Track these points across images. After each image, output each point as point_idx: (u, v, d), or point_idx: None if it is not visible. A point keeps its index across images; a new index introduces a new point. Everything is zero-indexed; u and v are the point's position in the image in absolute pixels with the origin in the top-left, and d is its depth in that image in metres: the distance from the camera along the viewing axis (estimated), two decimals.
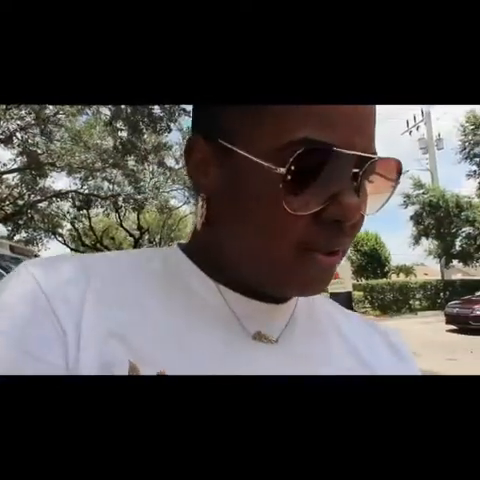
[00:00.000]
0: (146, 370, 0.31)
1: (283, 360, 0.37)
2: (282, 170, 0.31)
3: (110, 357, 0.32)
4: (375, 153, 0.35)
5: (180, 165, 12.27)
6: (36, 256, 2.19)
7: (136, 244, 14.34)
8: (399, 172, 0.37)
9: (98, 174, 11.65)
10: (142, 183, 11.89)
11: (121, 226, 14.12)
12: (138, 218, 13.99)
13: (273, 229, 0.33)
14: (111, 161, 10.55)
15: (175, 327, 0.35)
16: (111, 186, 12.27)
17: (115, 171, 11.52)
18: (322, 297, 0.46)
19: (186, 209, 15.60)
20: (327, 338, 0.42)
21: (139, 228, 14.21)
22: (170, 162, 12.29)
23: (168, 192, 13.21)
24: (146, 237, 15.07)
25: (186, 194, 13.35)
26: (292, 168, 0.31)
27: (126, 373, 0.31)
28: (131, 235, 14.48)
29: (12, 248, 1.90)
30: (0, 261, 1.79)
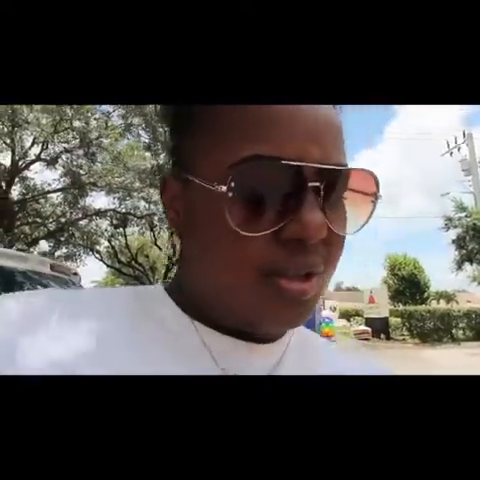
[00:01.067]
0: None
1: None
2: (223, 188, 0.29)
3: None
4: (341, 165, 0.32)
5: None
6: (75, 274, 2.29)
7: (169, 262, 14.64)
8: (377, 184, 0.33)
9: (135, 194, 12.12)
10: None
11: (155, 244, 14.51)
12: (171, 236, 14.34)
13: (230, 256, 0.31)
14: (148, 181, 10.98)
15: (138, 357, 0.33)
16: (147, 205, 12.72)
17: (152, 191, 11.96)
18: (315, 336, 0.43)
19: None
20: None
21: (173, 246, 14.54)
22: None
23: None
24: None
25: None
26: (232, 185, 0.29)
27: None
28: (165, 253, 14.82)
29: (52, 266, 1.95)
30: (41, 279, 1.86)
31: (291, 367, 0.36)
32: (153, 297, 0.37)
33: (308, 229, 0.29)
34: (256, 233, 0.30)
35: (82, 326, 0.33)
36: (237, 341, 0.35)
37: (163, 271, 15.11)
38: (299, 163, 0.29)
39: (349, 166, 0.33)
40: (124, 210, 12.78)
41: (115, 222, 13.31)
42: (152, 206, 12.61)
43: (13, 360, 0.30)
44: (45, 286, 1.86)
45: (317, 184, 0.30)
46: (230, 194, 0.29)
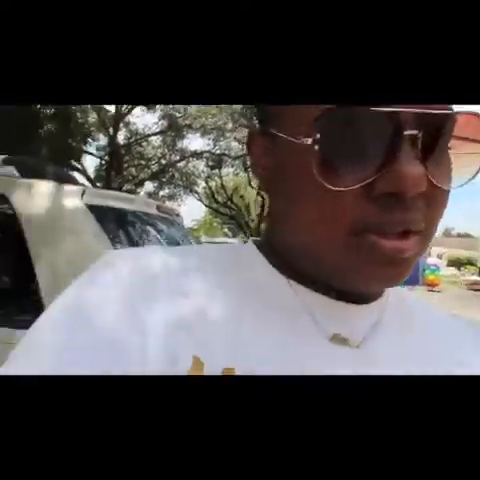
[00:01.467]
0: (211, 366, 0.30)
1: (365, 369, 0.32)
2: (309, 141, 0.28)
3: (176, 349, 0.30)
4: (444, 108, 0.29)
5: None
6: (178, 215, 2.39)
7: (263, 203, 14.82)
8: None
9: (229, 135, 12.20)
10: None
11: (250, 185, 14.70)
12: (258, 194, 14.32)
13: (320, 212, 0.29)
14: (240, 122, 10.91)
15: (244, 324, 0.33)
16: (240, 146, 12.75)
17: (244, 131, 11.90)
18: (413, 296, 0.41)
19: None
20: (417, 344, 0.36)
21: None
22: None
23: None
24: None
25: None
26: (318, 136, 0.28)
27: (188, 368, 0.30)
28: (258, 194, 14.98)
29: (158, 207, 2.02)
30: (149, 219, 1.92)
31: (390, 326, 0.36)
32: (248, 256, 0.37)
33: (404, 181, 0.27)
34: (345, 187, 0.28)
35: (196, 284, 0.34)
36: (337, 302, 0.34)
37: (258, 211, 15.39)
38: (392, 109, 0.27)
39: (454, 109, 0.30)
40: (218, 151, 13.02)
41: (211, 163, 13.69)
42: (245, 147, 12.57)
43: (138, 318, 0.31)
44: (153, 226, 1.94)
45: (415, 132, 0.27)
46: (316, 147, 0.28)
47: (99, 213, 1.61)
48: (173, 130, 11.78)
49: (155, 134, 12.52)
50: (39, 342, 0.31)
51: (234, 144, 12.75)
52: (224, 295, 0.34)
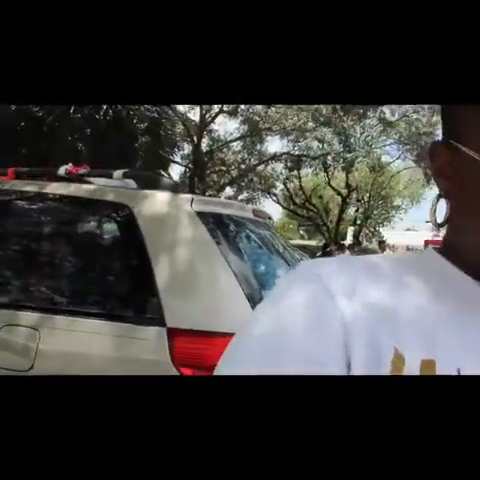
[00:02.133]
0: (411, 358, 0.32)
1: None
2: None
3: (379, 340, 0.33)
4: None
5: (396, 116, 11.45)
6: (270, 218, 2.43)
7: (343, 202, 14.42)
8: None
9: (309, 134, 12.08)
10: (352, 139, 11.70)
11: (329, 185, 14.40)
12: (347, 176, 13.93)
13: None
14: (322, 120, 10.75)
15: (442, 322, 0.35)
16: (320, 145, 12.56)
17: (325, 130, 11.68)
18: None
19: (399, 165, 14.57)
20: None
21: (347, 186, 14.17)
22: (388, 115, 11.61)
23: (381, 148, 12.58)
24: (354, 196, 14.92)
25: (400, 148, 12.42)
26: None
27: (391, 358, 0.32)
28: (339, 194, 14.61)
29: (254, 212, 2.09)
30: (246, 223, 1.97)
31: None
32: (433, 261, 0.39)
33: None
34: None
35: (389, 285, 0.36)
36: None
37: (337, 211, 15.01)
38: None
39: None
40: (298, 152, 12.96)
41: (289, 164, 13.68)
42: (325, 146, 12.41)
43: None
44: (251, 229, 2.00)
45: None
46: None
47: (205, 218, 1.72)
48: (253, 134, 12.01)
49: (236, 139, 12.88)
50: (246, 354, 0.34)
51: (314, 144, 12.60)
52: (419, 296, 0.36)
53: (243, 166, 13.39)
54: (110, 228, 1.79)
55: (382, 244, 9.01)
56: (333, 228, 14.42)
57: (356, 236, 14.28)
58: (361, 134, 11.96)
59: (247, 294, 1.52)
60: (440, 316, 0.35)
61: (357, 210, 15.59)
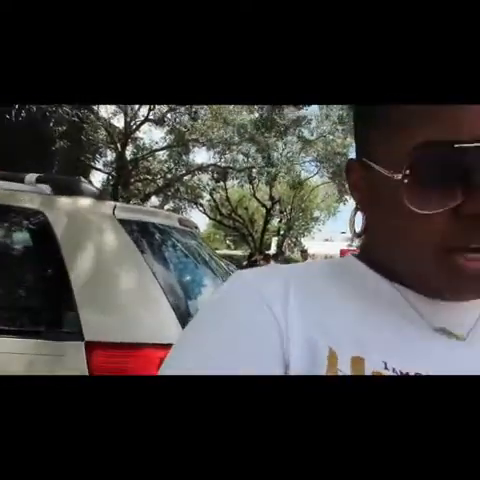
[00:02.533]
0: (343, 356, 0.34)
1: (472, 359, 0.36)
2: (399, 176, 0.33)
3: (314, 341, 0.35)
4: None
5: (315, 136, 12.20)
6: (196, 227, 2.41)
7: (268, 214, 14.90)
8: None
9: (235, 148, 12.35)
10: (275, 154, 12.21)
11: (254, 197, 14.80)
12: (270, 189, 14.45)
13: (411, 234, 0.34)
14: (247, 136, 11.07)
15: (367, 321, 0.37)
16: (246, 159, 12.89)
17: (250, 145, 12.04)
18: None
19: (317, 180, 15.49)
20: None
21: (271, 198, 14.69)
22: (306, 134, 12.33)
23: (300, 164, 13.28)
24: (277, 207, 15.51)
25: (318, 165, 13.26)
26: (407, 172, 0.32)
27: (326, 356, 0.34)
28: (263, 205, 15.08)
29: (180, 221, 2.06)
30: (171, 232, 1.92)
31: None
32: (353, 266, 0.42)
33: None
34: (433, 211, 0.32)
35: (318, 289, 0.39)
36: (439, 301, 0.37)
37: (262, 222, 15.46)
38: (473, 144, 0.30)
39: None
40: (224, 164, 13.17)
41: (216, 176, 13.83)
42: (250, 160, 12.77)
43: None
44: (176, 238, 1.95)
45: None
46: (405, 181, 0.32)
47: (129, 226, 1.67)
48: (179, 145, 11.95)
49: (162, 149, 12.70)
50: (188, 344, 0.36)
51: (239, 157, 12.91)
52: (344, 297, 0.39)
53: (169, 176, 13.23)
54: (22, 237, 1.65)
55: (304, 253, 9.44)
56: (258, 238, 14.82)
57: (280, 246, 14.82)
58: (282, 150, 12.54)
59: (173, 304, 1.49)
60: (363, 315, 0.38)
61: (280, 221, 16.23)
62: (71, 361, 1.35)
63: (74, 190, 1.73)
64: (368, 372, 0.34)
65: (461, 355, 0.36)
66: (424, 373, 0.34)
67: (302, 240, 17.50)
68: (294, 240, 17.39)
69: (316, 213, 17.88)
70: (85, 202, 1.65)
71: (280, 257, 10.23)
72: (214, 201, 15.18)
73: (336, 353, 0.35)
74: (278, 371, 0.34)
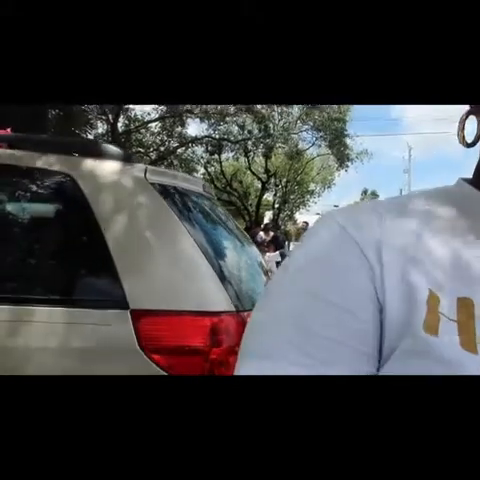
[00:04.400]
0: (446, 298, 0.30)
1: None
2: None
3: (412, 282, 0.31)
4: None
5: (310, 104, 11.93)
6: (218, 199, 2.37)
7: (263, 187, 14.77)
8: None
9: (229, 119, 12.07)
10: (271, 125, 11.98)
11: (249, 170, 14.61)
12: (266, 162, 14.26)
13: None
14: (244, 106, 10.78)
15: (476, 257, 0.32)
16: (241, 131, 12.64)
17: (245, 116, 11.77)
18: None
19: (313, 152, 15.31)
20: None
21: (266, 171, 14.52)
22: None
23: (297, 134, 13.06)
24: (272, 180, 15.37)
25: (315, 135, 13.05)
26: None
27: (426, 299, 0.30)
28: (259, 178, 14.91)
29: (204, 187, 2.00)
30: (197, 198, 1.84)
31: None
32: (467, 195, 0.37)
33: None
34: None
35: (416, 225, 0.34)
36: None
37: (256, 196, 15.37)
38: None
39: None
40: (218, 136, 12.89)
41: (210, 148, 13.57)
42: (246, 131, 12.51)
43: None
44: (200, 204, 1.88)
45: None
46: None
47: (162, 191, 1.58)
48: (172, 116, 11.63)
49: (154, 120, 12.35)
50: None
51: (234, 128, 12.65)
52: (451, 231, 0.34)
53: (162, 148, 12.94)
54: (52, 202, 1.55)
55: (301, 230, 9.44)
56: (253, 212, 14.74)
57: (275, 219, 14.77)
58: (279, 120, 12.30)
59: (216, 269, 1.43)
60: (476, 251, 0.32)
61: (275, 194, 16.12)
62: (118, 330, 1.29)
63: (98, 152, 1.62)
64: (478, 316, 0.29)
65: None
66: None
67: (297, 215, 17.46)
68: (289, 213, 17.35)
69: (311, 186, 17.74)
70: (113, 165, 1.55)
71: (278, 230, 10.17)
72: (209, 174, 14.96)
73: (437, 295, 0.30)
74: (370, 314, 0.30)
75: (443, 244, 0.33)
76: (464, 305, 0.30)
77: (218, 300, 1.39)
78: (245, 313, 1.39)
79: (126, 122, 12.27)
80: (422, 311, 0.29)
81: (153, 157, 12.99)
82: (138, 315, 1.30)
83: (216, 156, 14.03)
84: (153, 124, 12.66)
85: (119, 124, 11.91)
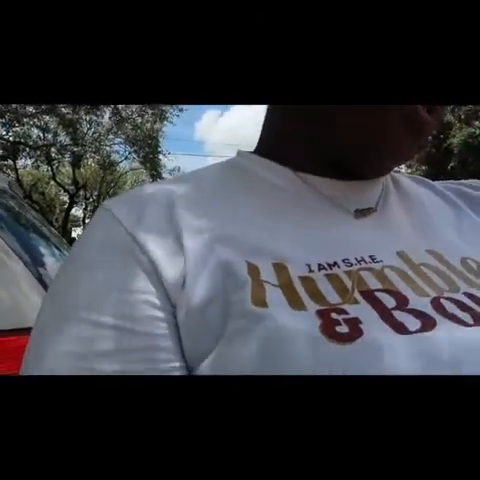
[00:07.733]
0: (264, 263, 0.30)
1: (388, 226, 0.36)
2: None
3: (225, 261, 0.30)
4: None
5: (124, 116, 11.44)
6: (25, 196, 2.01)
7: (71, 200, 13.34)
8: None
9: (27, 120, 10.45)
10: (80, 133, 10.95)
11: (54, 180, 12.98)
12: (74, 172, 12.94)
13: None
14: (45, 107, 9.50)
15: (277, 221, 0.34)
16: (42, 135, 11.13)
17: (48, 118, 10.41)
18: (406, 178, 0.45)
19: (126, 165, 14.77)
20: (423, 207, 0.40)
21: (74, 183, 13.19)
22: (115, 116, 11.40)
23: (109, 146, 12.32)
24: (81, 192, 14.07)
25: (127, 149, 12.57)
26: None
27: (246, 271, 0.29)
28: (66, 190, 13.39)
29: (10, 184, 1.79)
30: (5, 197, 1.63)
31: (393, 205, 0.39)
32: (250, 162, 0.39)
33: None
34: None
35: (211, 201, 0.35)
36: (347, 182, 0.37)
37: (63, 210, 13.81)
38: None
39: None
40: (12, 139, 11.00)
41: (2, 152, 11.46)
42: (49, 135, 11.08)
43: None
44: (11, 205, 1.68)
45: None
46: None
47: None
48: None
49: None
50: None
51: (33, 131, 11.02)
52: (243, 204, 0.35)
53: None
54: None
55: None
56: (60, 227, 13.14)
57: None
58: (88, 129, 11.38)
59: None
60: (270, 216, 0.34)
61: (86, 208, 14.85)
62: None
63: None
64: (295, 279, 0.30)
65: (375, 228, 0.36)
66: (351, 258, 0.32)
67: None
68: None
69: None
70: None
71: None
72: None
73: (256, 265, 0.30)
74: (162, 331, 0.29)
75: (242, 214, 0.34)
76: (279, 269, 0.30)
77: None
78: None
79: None
80: (248, 284, 0.29)
81: None
82: None
83: (10, 162, 11.94)
84: None
85: None
